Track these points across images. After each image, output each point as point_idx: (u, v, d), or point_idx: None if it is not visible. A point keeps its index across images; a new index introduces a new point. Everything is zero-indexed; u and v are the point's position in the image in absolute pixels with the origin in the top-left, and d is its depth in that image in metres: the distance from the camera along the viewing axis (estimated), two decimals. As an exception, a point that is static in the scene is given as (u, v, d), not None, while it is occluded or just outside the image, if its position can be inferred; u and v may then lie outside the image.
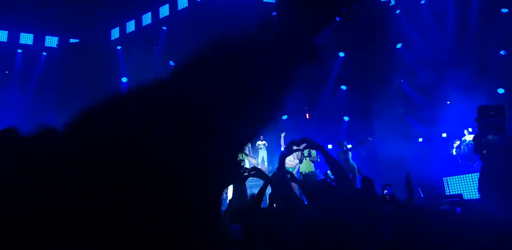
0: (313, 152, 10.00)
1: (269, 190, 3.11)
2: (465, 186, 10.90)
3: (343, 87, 15.45)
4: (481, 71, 12.15)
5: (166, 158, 0.49)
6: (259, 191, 2.91)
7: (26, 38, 16.19)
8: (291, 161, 10.51)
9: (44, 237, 0.43)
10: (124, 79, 15.65)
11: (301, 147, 2.73)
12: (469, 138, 11.38)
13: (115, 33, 16.71)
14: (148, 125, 0.50)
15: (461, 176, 11.16)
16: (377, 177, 9.45)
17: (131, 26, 16.26)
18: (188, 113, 0.52)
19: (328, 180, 5.85)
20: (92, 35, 15.99)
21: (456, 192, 10.68)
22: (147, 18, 15.95)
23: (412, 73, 14.00)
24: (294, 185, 4.69)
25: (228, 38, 0.61)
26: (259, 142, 12.68)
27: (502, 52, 12.83)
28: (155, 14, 15.76)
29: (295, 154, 10.57)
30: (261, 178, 3.11)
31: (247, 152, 12.11)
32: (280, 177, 2.79)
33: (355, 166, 10.73)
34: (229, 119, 0.56)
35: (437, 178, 11.67)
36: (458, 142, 12.41)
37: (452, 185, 11.25)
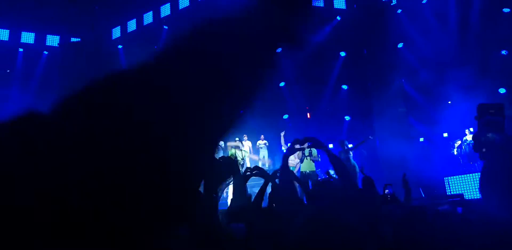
0: (314, 151, 10.00)
1: (269, 189, 3.10)
2: (466, 185, 10.90)
3: (344, 87, 15.44)
4: (483, 71, 12.13)
5: (147, 142, 0.49)
6: (259, 191, 2.90)
7: (28, 37, 16.21)
8: (291, 160, 10.51)
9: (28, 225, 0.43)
10: (125, 79, 15.64)
11: (305, 145, 2.73)
12: (470, 137, 11.37)
13: (116, 32, 16.72)
14: (129, 109, 0.50)
15: (462, 175, 11.16)
16: (378, 176, 9.44)
17: (132, 25, 16.28)
18: (169, 100, 0.52)
19: (331, 179, 5.85)
20: (93, 34, 16.01)
21: (457, 192, 10.67)
22: (148, 17, 15.96)
23: (413, 73, 13.99)
24: (295, 184, 4.68)
25: (209, 26, 0.60)
26: (259, 141, 12.69)
27: (503, 52, 12.82)
28: (156, 13, 15.77)
29: (296, 153, 10.57)
30: (263, 178, 3.10)
31: (249, 151, 12.12)
32: (284, 178, 2.78)
33: (356, 166, 10.72)
34: (207, 109, 0.56)
35: (438, 178, 11.67)
36: (459, 142, 12.40)
37: (453, 184, 11.24)
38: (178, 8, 15.17)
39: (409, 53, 14.14)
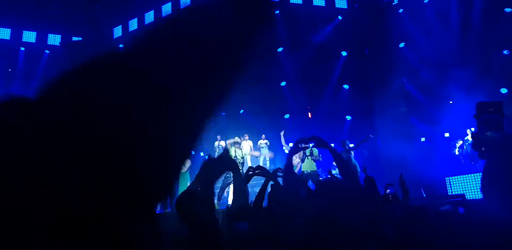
0: (315, 151, 9.98)
1: (268, 188, 3.09)
2: (467, 186, 10.88)
3: (346, 86, 15.42)
4: (484, 71, 12.11)
5: (127, 127, 0.49)
6: (260, 190, 2.90)
7: (29, 36, 16.23)
8: (293, 160, 10.49)
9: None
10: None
11: (309, 145, 2.71)
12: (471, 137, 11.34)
13: (117, 31, 16.72)
14: (109, 95, 0.50)
15: (464, 175, 11.14)
16: (379, 176, 9.42)
17: (133, 24, 16.28)
18: (149, 84, 0.52)
19: (333, 178, 5.85)
20: (95, 33, 16.01)
21: (459, 192, 10.65)
22: (149, 16, 15.96)
23: (415, 72, 13.98)
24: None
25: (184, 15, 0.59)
26: (260, 141, 12.68)
27: (505, 52, 12.79)
28: (158, 12, 15.76)
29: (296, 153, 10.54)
30: (266, 177, 3.08)
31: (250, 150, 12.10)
32: (288, 178, 2.76)
33: (357, 165, 10.72)
34: (188, 93, 0.55)
35: (439, 178, 11.65)
36: (460, 142, 12.38)
37: (455, 184, 11.23)
38: (180, 7, 15.16)
39: (410, 53, 14.12)
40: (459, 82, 12.11)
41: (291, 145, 11.08)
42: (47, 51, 16.58)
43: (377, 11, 14.52)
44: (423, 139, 13.90)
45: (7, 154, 0.44)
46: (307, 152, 9.81)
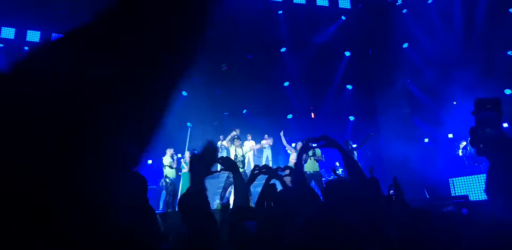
0: (318, 151, 9.95)
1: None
2: (471, 187, 10.83)
3: (349, 86, 15.40)
4: (488, 71, 12.06)
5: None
6: (261, 190, 2.88)
7: (33, 36, 16.27)
8: (294, 160, 10.48)
9: None
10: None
11: (313, 145, 2.68)
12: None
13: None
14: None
15: (467, 177, 11.08)
16: (383, 177, 9.40)
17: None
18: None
19: (335, 176, 5.84)
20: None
21: (462, 193, 10.61)
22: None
23: (418, 73, 13.94)
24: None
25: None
26: (263, 141, 12.66)
27: (509, 52, 12.73)
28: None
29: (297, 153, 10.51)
30: (272, 177, 3.06)
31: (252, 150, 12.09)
32: (297, 178, 2.74)
33: (360, 166, 10.67)
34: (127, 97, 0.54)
35: (442, 179, 11.61)
36: (464, 143, 12.33)
37: (458, 186, 11.17)
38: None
39: (414, 53, 14.08)
40: (463, 82, 12.07)
41: (293, 145, 11.06)
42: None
43: (381, 11, 14.49)
44: (426, 140, 13.86)
45: None
46: (310, 152, 9.77)
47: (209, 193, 3.43)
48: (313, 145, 2.73)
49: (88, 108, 0.50)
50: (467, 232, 1.67)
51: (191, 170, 1.92)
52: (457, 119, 12.15)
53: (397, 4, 14.60)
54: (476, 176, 10.78)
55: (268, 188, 2.86)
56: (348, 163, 2.51)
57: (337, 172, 8.41)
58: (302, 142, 10.61)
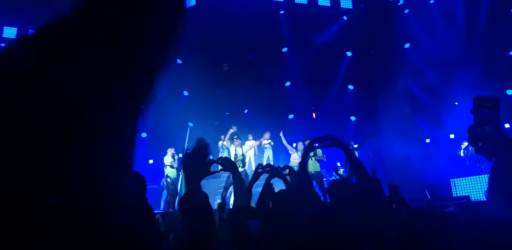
0: (319, 151, 9.94)
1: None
2: (472, 187, 10.81)
3: (350, 87, 15.39)
4: (490, 72, 12.04)
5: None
6: (262, 190, 2.88)
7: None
8: (295, 160, 10.46)
9: None
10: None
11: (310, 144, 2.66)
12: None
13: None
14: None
15: (469, 177, 11.07)
16: (384, 177, 9.39)
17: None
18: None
19: (336, 176, 5.83)
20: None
21: (463, 194, 10.59)
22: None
23: (420, 73, 13.92)
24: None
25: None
26: (264, 141, 12.65)
27: (511, 52, 12.70)
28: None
29: (299, 153, 10.51)
30: (275, 175, 3.05)
31: (253, 150, 12.09)
32: (302, 178, 2.74)
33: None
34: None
35: (444, 179, 11.59)
36: (465, 143, 12.30)
37: (459, 186, 11.16)
38: (185, 7, 15.16)
39: (416, 54, 14.06)
40: (465, 83, 12.05)
41: (294, 145, 11.05)
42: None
43: (383, 12, 14.47)
44: (428, 140, 13.84)
45: None
46: (311, 152, 9.75)
47: (210, 193, 3.42)
48: (316, 144, 2.71)
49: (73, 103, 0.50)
50: (467, 232, 1.66)
51: (183, 169, 1.92)
52: (459, 120, 12.13)
53: (399, 4, 14.58)
54: (477, 176, 10.76)
55: (267, 188, 2.86)
56: (353, 163, 2.50)
57: (339, 172, 8.40)
58: (302, 142, 10.61)
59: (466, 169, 11.87)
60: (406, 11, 14.34)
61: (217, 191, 10.18)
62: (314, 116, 15.44)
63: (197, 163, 1.78)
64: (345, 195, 2.21)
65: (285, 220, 2.03)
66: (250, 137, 11.86)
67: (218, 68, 14.88)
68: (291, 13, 14.80)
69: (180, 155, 11.76)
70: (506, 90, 12.42)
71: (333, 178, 11.62)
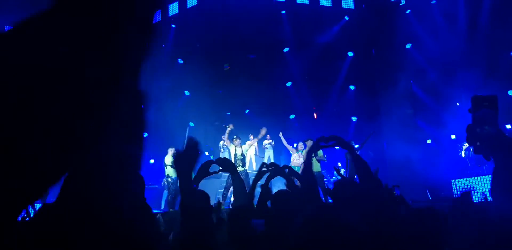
0: (320, 151, 9.92)
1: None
2: (473, 188, 10.79)
3: (352, 87, 15.38)
4: (491, 72, 12.02)
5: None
6: (262, 190, 2.87)
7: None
8: (296, 160, 10.46)
9: None
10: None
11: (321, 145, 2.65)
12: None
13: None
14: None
15: (470, 178, 11.05)
16: (385, 178, 9.38)
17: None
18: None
19: (339, 177, 5.83)
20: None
21: (464, 194, 10.56)
22: (156, 16, 15.97)
23: (421, 74, 13.90)
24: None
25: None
26: (265, 141, 12.65)
27: (513, 53, 12.68)
28: (165, 12, 15.79)
29: (299, 153, 10.51)
30: (279, 174, 3.05)
31: (254, 150, 12.08)
32: (307, 177, 2.73)
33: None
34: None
35: (445, 180, 11.58)
36: (467, 144, 12.28)
37: (460, 187, 11.14)
38: (186, 6, 15.18)
39: (417, 54, 14.05)
40: (466, 83, 12.04)
41: (295, 145, 11.04)
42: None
43: (384, 12, 14.45)
44: (429, 141, 13.82)
45: None
46: (312, 152, 9.71)
47: (211, 193, 3.42)
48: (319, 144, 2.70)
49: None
50: (468, 233, 1.66)
51: (175, 168, 1.92)
52: (460, 121, 12.11)
53: (400, 4, 14.56)
54: (478, 177, 10.74)
55: (265, 188, 2.85)
56: (358, 164, 2.49)
57: (340, 172, 8.40)
58: (303, 142, 10.61)
59: (467, 170, 11.86)
60: (408, 11, 14.32)
61: (218, 191, 10.18)
62: (315, 116, 15.43)
63: (189, 162, 1.78)
64: (350, 195, 2.21)
65: (286, 220, 2.02)
66: (251, 137, 11.86)
67: (219, 68, 14.88)
68: (292, 13, 14.79)
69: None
70: (507, 91, 12.40)
71: (334, 178, 11.62)
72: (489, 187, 1.70)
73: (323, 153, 10.04)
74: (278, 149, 13.03)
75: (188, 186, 1.81)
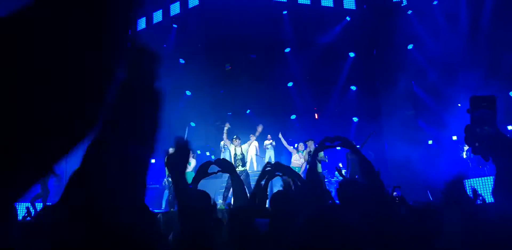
0: (321, 152, 9.92)
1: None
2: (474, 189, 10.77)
3: (353, 87, 15.36)
4: (493, 73, 12.00)
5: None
6: (263, 188, 2.87)
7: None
8: (297, 160, 10.46)
9: None
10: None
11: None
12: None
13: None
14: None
15: (471, 179, 11.02)
16: (386, 179, 9.37)
17: (142, 23, 16.32)
18: None
19: (341, 177, 5.83)
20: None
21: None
22: (158, 16, 16.00)
23: (423, 74, 13.89)
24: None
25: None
26: (266, 142, 12.65)
27: (514, 54, 12.66)
28: (166, 12, 15.80)
29: (300, 154, 10.51)
30: (285, 174, 3.04)
31: (255, 150, 12.08)
32: (311, 177, 2.73)
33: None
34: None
35: (446, 181, 11.55)
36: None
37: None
38: (188, 6, 15.19)
39: (418, 55, 14.04)
40: (468, 84, 12.01)
41: (296, 145, 11.04)
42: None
43: (386, 12, 14.44)
44: (430, 142, 13.80)
45: None
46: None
47: (211, 193, 3.42)
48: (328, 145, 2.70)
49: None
50: (468, 232, 1.66)
51: (168, 170, 1.92)
52: (461, 121, 12.03)
53: (402, 5, 14.55)
54: (480, 178, 10.72)
55: (265, 188, 2.85)
56: (363, 164, 2.49)
57: (342, 171, 8.40)
58: (304, 142, 10.61)
59: (469, 171, 11.83)
60: (409, 12, 14.31)
61: (219, 191, 10.18)
62: (316, 117, 15.42)
63: (180, 162, 1.78)
64: (355, 195, 2.21)
65: (287, 220, 2.02)
66: (252, 137, 11.86)
67: (220, 68, 14.89)
68: (294, 14, 14.79)
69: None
70: (509, 91, 12.38)
71: (335, 178, 11.62)
72: (492, 188, 1.70)
73: (324, 153, 10.04)
74: (279, 149, 13.02)
75: (183, 186, 1.81)
